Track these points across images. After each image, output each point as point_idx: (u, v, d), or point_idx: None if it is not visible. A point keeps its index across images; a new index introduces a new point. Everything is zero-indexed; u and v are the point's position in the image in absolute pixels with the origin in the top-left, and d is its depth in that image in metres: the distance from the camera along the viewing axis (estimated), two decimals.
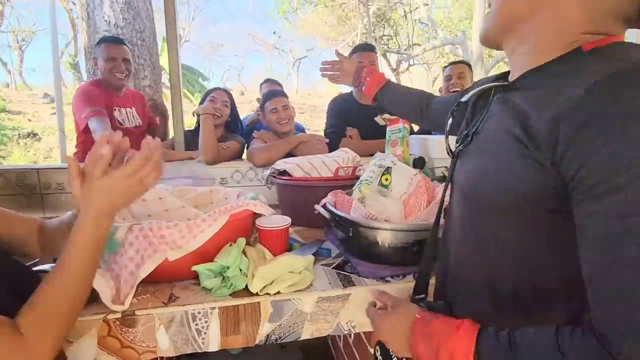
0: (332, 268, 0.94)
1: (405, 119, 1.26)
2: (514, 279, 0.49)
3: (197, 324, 0.76)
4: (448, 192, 0.65)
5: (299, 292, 0.81)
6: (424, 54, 11.36)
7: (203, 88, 11.26)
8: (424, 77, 21.04)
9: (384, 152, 1.57)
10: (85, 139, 1.67)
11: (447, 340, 0.46)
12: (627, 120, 0.34)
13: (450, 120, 0.63)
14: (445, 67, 2.14)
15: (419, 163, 1.53)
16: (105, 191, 0.57)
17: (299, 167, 1.33)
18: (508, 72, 0.55)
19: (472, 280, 0.55)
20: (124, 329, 0.72)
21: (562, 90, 0.40)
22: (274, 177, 1.36)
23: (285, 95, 1.77)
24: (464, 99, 0.60)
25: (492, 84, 0.55)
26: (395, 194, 1.07)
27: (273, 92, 1.79)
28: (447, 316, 0.52)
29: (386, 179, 1.07)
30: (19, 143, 8.04)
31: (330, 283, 0.85)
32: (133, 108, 1.85)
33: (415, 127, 2.00)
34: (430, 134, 1.90)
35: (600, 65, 0.39)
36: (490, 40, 0.54)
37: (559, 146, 0.38)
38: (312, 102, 15.24)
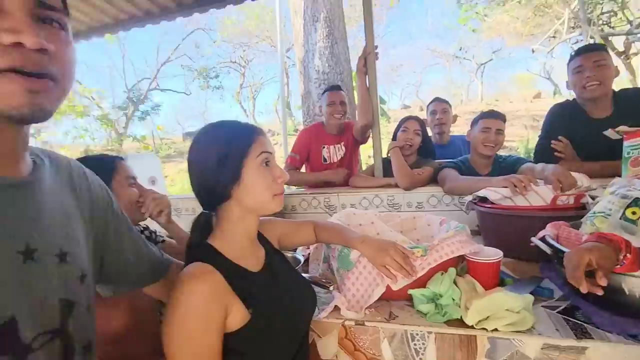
0: (557, 312, 0.85)
1: None
2: None
3: (415, 344, 0.84)
4: None
5: (519, 333, 0.77)
6: None
7: (383, 111, 11.90)
8: None
9: (620, 175, 1.28)
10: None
11: None
12: None
13: None
14: None
15: None
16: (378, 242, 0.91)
17: (503, 195, 1.25)
18: None
19: None
20: (356, 335, 0.89)
21: None
22: (475, 204, 1.33)
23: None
24: None
25: None
26: None
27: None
28: None
29: (633, 213, 0.88)
30: None
31: (557, 330, 0.77)
32: (342, 142, 2.19)
33: None
34: None
35: None
36: None
37: None
38: (501, 108, 13.56)
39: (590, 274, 0.73)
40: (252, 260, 0.76)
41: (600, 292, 0.70)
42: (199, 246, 0.73)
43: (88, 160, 0.92)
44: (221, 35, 15.58)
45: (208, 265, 0.67)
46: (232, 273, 0.69)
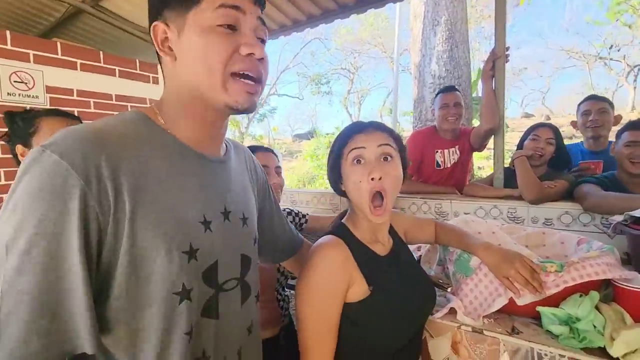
0: None
1: None
2: None
3: None
4: None
5: None
6: None
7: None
8: None
9: None
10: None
11: None
12: None
13: None
14: None
15: None
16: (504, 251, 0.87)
17: None
18: None
19: None
20: (472, 343, 0.86)
21: None
22: (627, 225, 1.14)
23: None
24: None
25: None
26: None
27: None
28: None
29: None
30: None
31: None
32: (457, 146, 2.06)
33: None
34: None
35: None
36: None
37: None
38: None
39: None
40: (379, 245, 0.82)
41: None
42: (336, 225, 0.84)
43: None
44: (335, 44, 16.35)
45: (339, 239, 0.76)
46: (358, 251, 0.77)
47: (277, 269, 1.27)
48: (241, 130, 14.98)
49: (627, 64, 15.91)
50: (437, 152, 2.06)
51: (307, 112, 25.04)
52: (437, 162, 2.06)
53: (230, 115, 0.60)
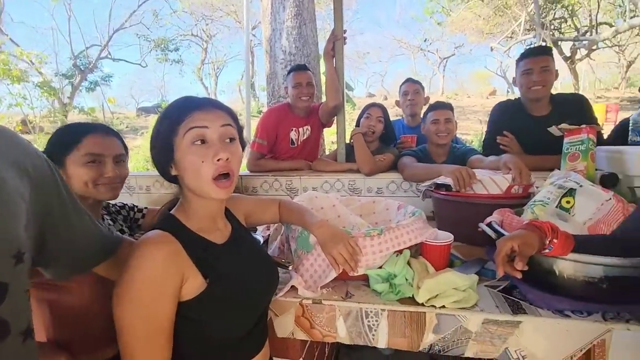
0: (498, 291, 0.92)
1: None
2: None
3: (369, 321, 0.88)
4: None
5: (463, 309, 0.84)
6: (614, 37, 9.02)
7: (349, 98, 12.00)
8: (612, 64, 16.78)
9: (559, 168, 1.40)
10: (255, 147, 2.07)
11: None
12: None
13: None
14: None
15: (609, 180, 1.30)
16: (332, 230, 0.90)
17: None
18: None
19: None
20: (313, 313, 0.91)
21: None
22: (432, 191, 1.39)
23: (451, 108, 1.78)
24: None
25: None
26: (578, 219, 0.96)
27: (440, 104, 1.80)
28: None
29: (567, 202, 0.97)
30: None
31: (497, 306, 0.84)
32: (309, 125, 2.13)
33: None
34: (626, 144, 1.57)
35: None
36: None
37: None
38: (459, 102, 14.23)
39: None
40: (217, 233, 0.76)
41: (519, 275, 0.76)
42: (164, 217, 0.74)
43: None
44: (182, 5, 14.62)
45: (166, 233, 0.67)
46: (192, 243, 0.69)
47: None
48: (63, 101, 12.05)
49: (439, 57, 19.86)
50: (291, 130, 2.09)
51: (154, 82, 22.18)
52: (292, 140, 2.09)
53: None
